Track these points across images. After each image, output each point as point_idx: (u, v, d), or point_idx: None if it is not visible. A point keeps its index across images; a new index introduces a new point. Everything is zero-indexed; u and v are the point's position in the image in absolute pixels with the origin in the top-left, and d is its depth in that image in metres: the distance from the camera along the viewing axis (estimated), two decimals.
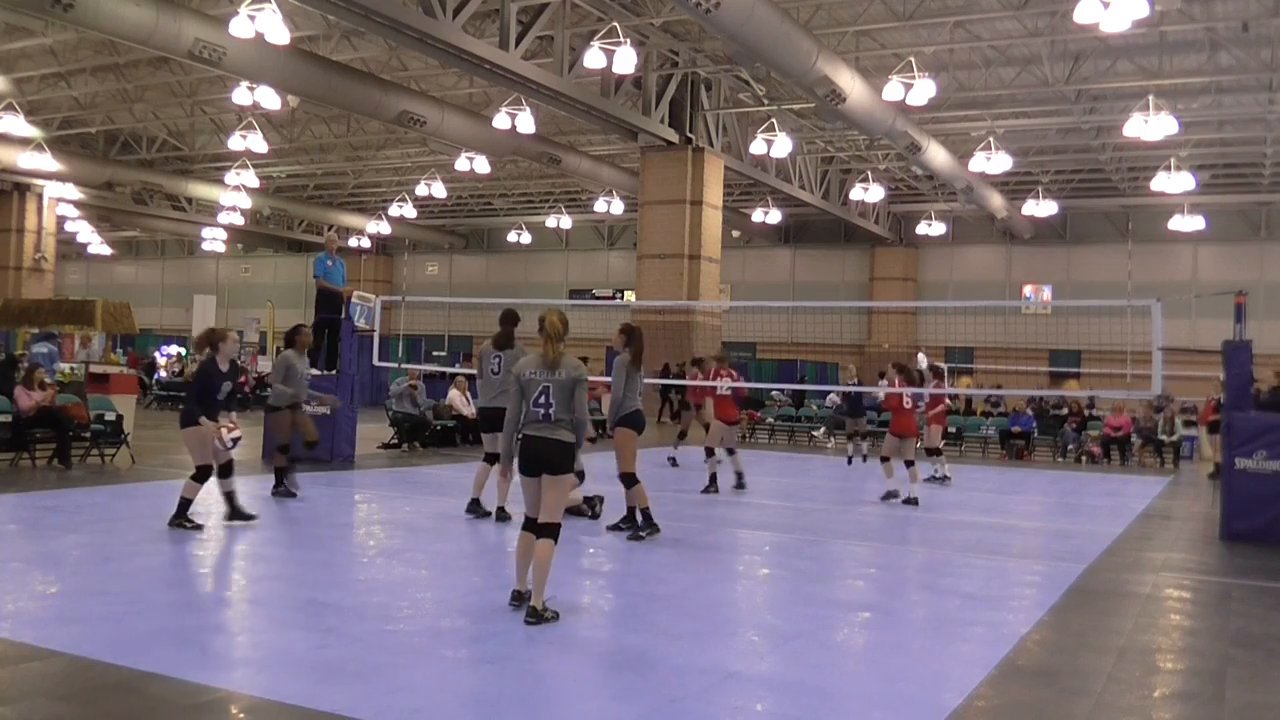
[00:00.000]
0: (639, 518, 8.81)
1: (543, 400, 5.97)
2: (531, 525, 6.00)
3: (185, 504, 8.26)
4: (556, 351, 6.04)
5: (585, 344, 31.13)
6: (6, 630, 5.20)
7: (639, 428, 8.93)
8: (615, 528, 8.93)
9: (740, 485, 12.64)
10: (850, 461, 17.45)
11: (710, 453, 12.62)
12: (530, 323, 7.62)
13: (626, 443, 8.85)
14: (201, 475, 8.31)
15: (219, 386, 8.47)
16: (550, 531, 5.93)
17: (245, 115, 27.08)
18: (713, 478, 12.44)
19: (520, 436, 6.06)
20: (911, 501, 12.00)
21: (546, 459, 5.93)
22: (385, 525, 9.20)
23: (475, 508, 9.56)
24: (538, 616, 5.72)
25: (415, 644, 5.38)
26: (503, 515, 9.29)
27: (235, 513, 8.54)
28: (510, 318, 9.53)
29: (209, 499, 9.36)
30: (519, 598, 6.00)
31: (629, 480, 8.81)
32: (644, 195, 27.67)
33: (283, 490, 10.19)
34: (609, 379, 9.36)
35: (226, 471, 8.49)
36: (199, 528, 8.17)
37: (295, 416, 10.36)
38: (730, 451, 12.87)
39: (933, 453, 14.73)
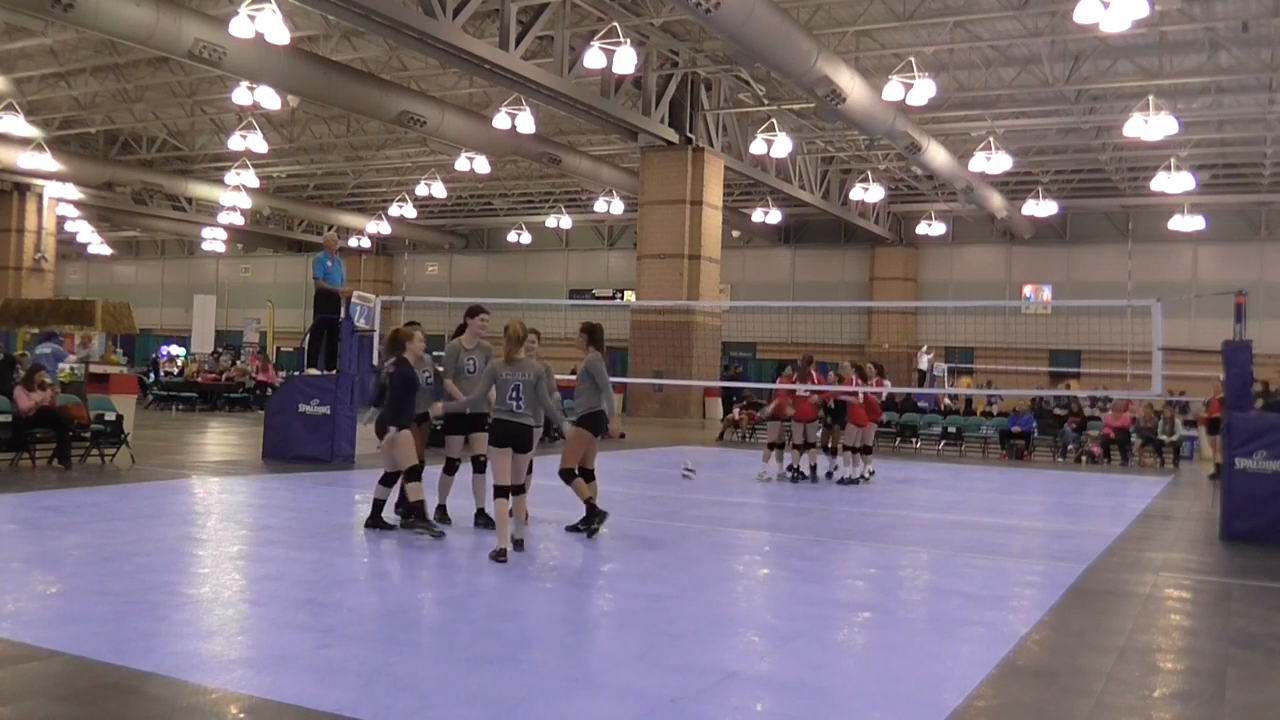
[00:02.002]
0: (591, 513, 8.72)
1: (514, 394, 7.59)
2: (504, 491, 7.62)
3: (419, 507, 8.20)
4: (516, 354, 7.65)
5: None
6: (6, 630, 5.20)
7: (596, 430, 8.65)
8: (574, 529, 8.71)
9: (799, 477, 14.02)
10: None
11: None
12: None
13: (579, 441, 8.60)
14: (416, 473, 8.25)
15: (416, 389, 8.29)
16: (523, 489, 7.96)
17: (245, 115, 27.09)
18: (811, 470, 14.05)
19: (493, 419, 7.70)
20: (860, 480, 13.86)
21: (516, 437, 7.64)
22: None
23: (443, 515, 8.90)
24: (520, 544, 7.70)
25: (415, 644, 5.39)
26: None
27: (376, 520, 8.35)
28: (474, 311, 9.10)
29: (208, 498, 9.37)
30: (503, 555, 7.39)
31: (567, 476, 8.61)
32: (644, 195, 27.68)
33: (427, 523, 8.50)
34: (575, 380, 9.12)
35: (392, 480, 8.39)
36: (442, 534, 8.18)
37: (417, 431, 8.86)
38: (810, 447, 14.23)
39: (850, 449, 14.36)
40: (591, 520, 8.65)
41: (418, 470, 8.29)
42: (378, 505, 8.44)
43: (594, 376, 8.68)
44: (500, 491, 7.63)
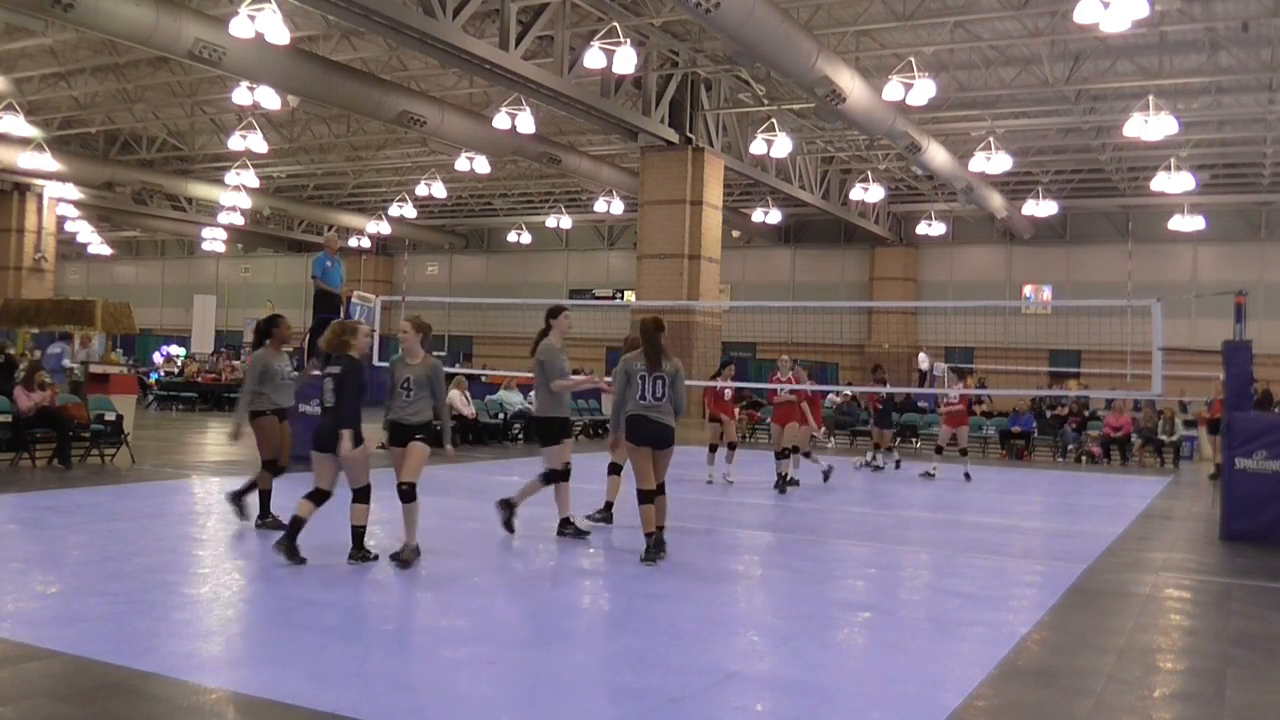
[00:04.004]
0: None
1: (405, 389, 7.41)
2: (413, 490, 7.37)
3: (360, 532, 7.28)
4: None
5: (587, 344, 31.13)
6: (6, 630, 5.20)
7: (635, 437, 8.05)
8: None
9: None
10: (895, 465, 17.33)
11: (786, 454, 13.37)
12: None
13: (624, 454, 8.44)
14: (366, 495, 7.32)
15: (365, 389, 7.43)
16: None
17: (245, 115, 27.07)
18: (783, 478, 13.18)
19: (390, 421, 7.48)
20: (793, 482, 13.30)
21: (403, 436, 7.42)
22: (385, 525, 9.18)
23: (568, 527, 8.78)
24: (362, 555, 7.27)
25: (415, 644, 5.39)
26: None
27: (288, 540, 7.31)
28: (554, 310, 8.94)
29: (208, 498, 9.36)
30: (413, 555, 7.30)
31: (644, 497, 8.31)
32: (644, 195, 27.66)
33: (273, 521, 8.55)
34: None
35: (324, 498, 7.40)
36: (375, 558, 7.25)
37: (284, 427, 8.82)
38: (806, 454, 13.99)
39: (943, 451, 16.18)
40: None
41: (368, 492, 7.35)
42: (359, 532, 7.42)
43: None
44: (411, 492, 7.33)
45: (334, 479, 7.29)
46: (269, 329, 8.94)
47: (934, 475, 15.65)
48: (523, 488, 8.79)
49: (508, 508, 8.71)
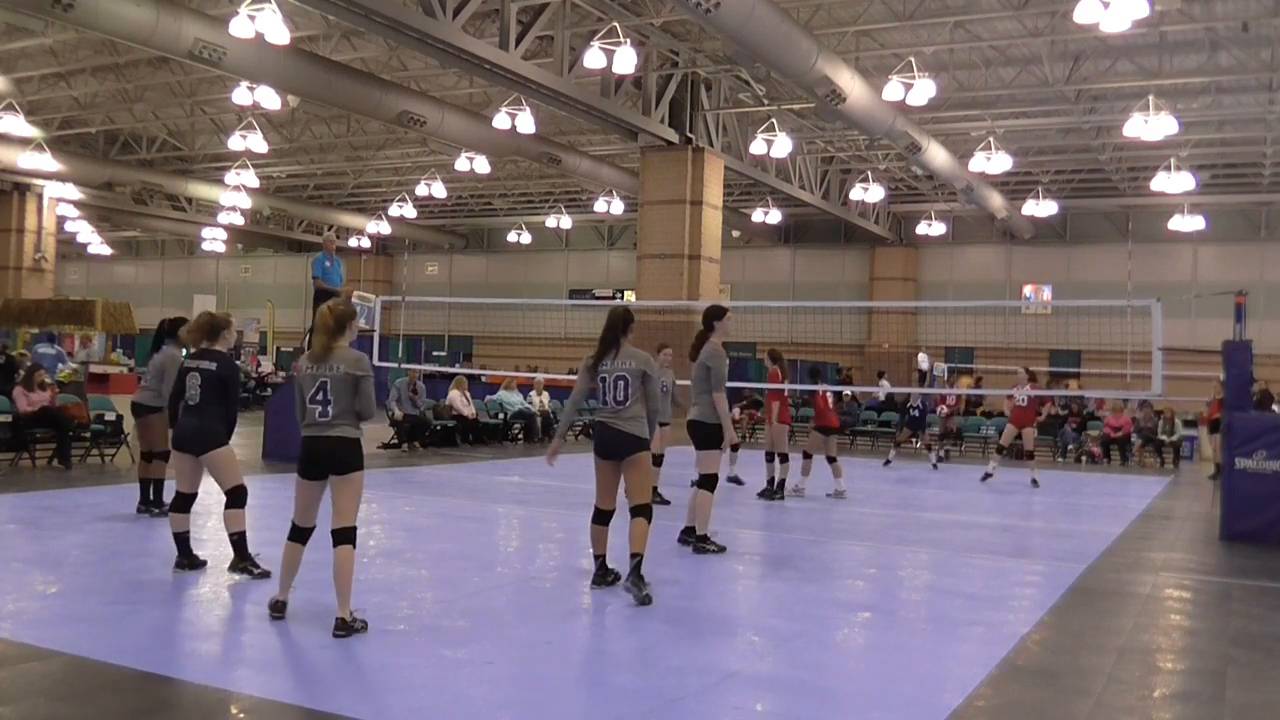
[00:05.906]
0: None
1: (320, 397, 5.53)
2: (301, 534, 5.71)
3: (240, 540, 6.76)
4: (326, 345, 5.59)
5: (587, 344, 31.10)
6: (6, 630, 5.20)
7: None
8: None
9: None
10: (936, 465, 18.23)
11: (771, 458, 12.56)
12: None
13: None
14: (241, 498, 6.80)
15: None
16: (348, 537, 5.50)
17: (245, 115, 27.08)
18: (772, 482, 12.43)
19: (305, 436, 5.66)
20: (839, 494, 12.41)
21: (333, 458, 5.55)
22: (385, 525, 9.19)
23: (706, 543, 8.37)
24: (347, 629, 5.32)
25: (415, 644, 5.38)
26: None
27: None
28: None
29: (208, 498, 9.36)
30: (280, 608, 5.61)
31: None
32: (644, 195, 27.67)
33: (146, 507, 9.07)
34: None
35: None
36: (267, 574, 6.54)
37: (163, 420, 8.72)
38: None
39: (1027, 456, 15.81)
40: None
41: (244, 493, 6.84)
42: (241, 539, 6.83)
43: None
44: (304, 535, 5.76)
45: (197, 480, 6.88)
46: (175, 330, 8.97)
47: (992, 475, 15.55)
48: (695, 511, 8.35)
49: (693, 535, 8.33)
